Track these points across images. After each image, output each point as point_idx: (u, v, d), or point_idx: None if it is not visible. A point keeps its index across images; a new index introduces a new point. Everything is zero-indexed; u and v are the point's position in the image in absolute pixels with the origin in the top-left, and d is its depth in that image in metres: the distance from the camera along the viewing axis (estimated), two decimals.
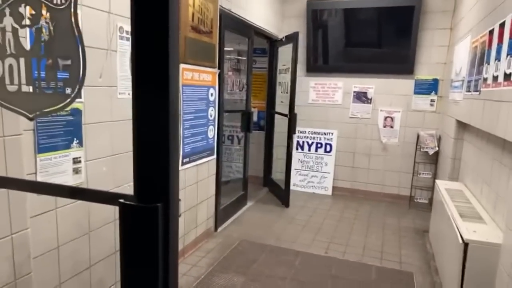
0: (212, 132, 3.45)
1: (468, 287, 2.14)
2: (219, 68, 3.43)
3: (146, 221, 0.85)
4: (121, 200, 0.86)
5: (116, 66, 2.14)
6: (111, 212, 2.23)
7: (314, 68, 5.17)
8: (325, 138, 5.23)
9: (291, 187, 5.31)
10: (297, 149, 5.37)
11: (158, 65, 0.79)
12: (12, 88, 0.96)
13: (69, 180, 1.89)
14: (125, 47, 2.20)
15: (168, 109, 0.81)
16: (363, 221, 4.20)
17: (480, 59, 2.85)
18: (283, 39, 4.79)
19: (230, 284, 2.76)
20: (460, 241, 2.17)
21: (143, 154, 0.86)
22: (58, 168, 1.82)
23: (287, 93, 4.67)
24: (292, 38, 4.44)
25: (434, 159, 4.64)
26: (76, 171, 1.94)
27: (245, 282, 2.79)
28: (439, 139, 4.54)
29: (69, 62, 0.89)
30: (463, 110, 3.33)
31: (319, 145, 5.26)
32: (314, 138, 5.29)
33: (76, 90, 0.90)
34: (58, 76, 0.91)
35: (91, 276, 2.11)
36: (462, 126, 3.66)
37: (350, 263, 3.18)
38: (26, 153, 1.61)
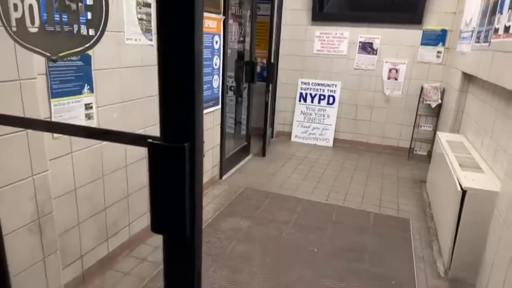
0: (216, 82, 3.43)
1: (462, 233, 2.27)
2: (224, 15, 3.34)
3: (174, 159, 0.89)
4: (150, 140, 0.90)
5: (123, 11, 2.09)
6: (122, 158, 2.29)
7: (319, 16, 5.02)
8: (328, 90, 5.21)
9: (292, 139, 5.40)
10: (299, 100, 5.37)
11: (183, 2, 0.79)
12: (33, 29, 0.96)
13: None
14: None
15: (194, 47, 0.82)
16: (363, 171, 4.32)
17: (492, 9, 2.78)
18: None
19: (237, 227, 2.90)
20: (459, 188, 2.27)
21: (170, 94, 0.89)
22: (71, 113, 1.85)
23: None
24: None
25: (436, 112, 4.67)
26: (89, 116, 1.97)
27: (250, 226, 2.93)
28: (442, 92, 4.54)
29: (91, 1, 0.88)
30: (471, 61, 3.30)
31: (322, 97, 5.26)
32: (317, 90, 5.27)
33: (100, 31, 0.90)
34: (80, 18, 0.91)
35: (106, 218, 2.22)
36: (467, 78, 3.65)
37: (350, 209, 3.33)
38: (41, 97, 1.63)
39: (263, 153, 4.68)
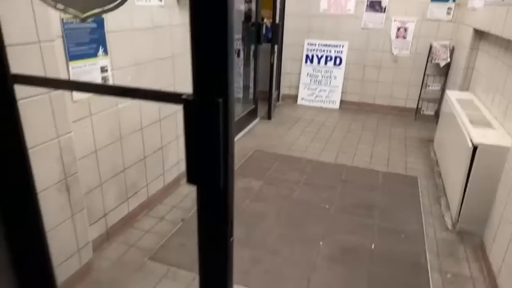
0: None
1: (472, 188, 2.33)
2: None
3: (209, 114, 0.92)
4: (185, 97, 0.92)
5: None
6: (138, 122, 2.32)
7: None
8: (335, 50, 5.14)
9: (299, 102, 5.39)
10: (306, 62, 5.31)
11: None
12: None
13: None
14: None
15: (226, 2, 0.83)
16: (370, 132, 4.35)
17: None
18: None
19: (249, 186, 2.98)
20: (470, 145, 2.31)
21: (203, 52, 0.90)
22: (88, 76, 1.86)
23: None
24: None
25: (444, 71, 4.63)
26: (105, 79, 1.98)
27: (262, 185, 3.01)
28: (452, 50, 4.47)
29: None
30: (483, 18, 3.24)
31: (328, 58, 5.19)
32: (324, 50, 5.19)
33: None
34: None
35: (125, 179, 2.29)
36: (478, 35, 3.59)
37: (359, 169, 3.40)
38: (59, 60, 1.64)
39: (268, 116, 4.69)
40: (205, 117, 0.93)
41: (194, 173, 0.98)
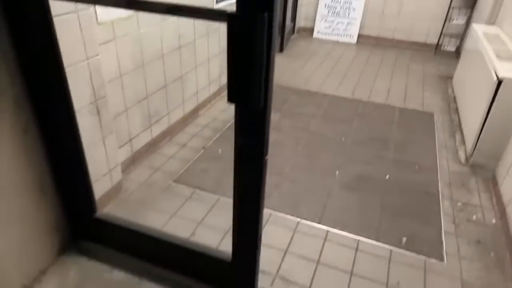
0: None
1: (491, 122, 2.34)
2: None
3: (253, 29, 0.92)
4: (229, 13, 0.91)
5: None
6: (159, 49, 2.30)
7: None
8: None
9: (315, 35, 5.22)
10: None
11: None
12: None
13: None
14: None
15: None
16: (388, 67, 4.27)
17: None
18: None
19: None
20: (494, 78, 2.28)
21: None
22: None
23: None
24: None
25: (471, 3, 4.39)
26: None
27: (280, 118, 3.05)
28: None
29: None
30: None
31: None
32: None
33: None
34: None
35: (148, 106, 2.33)
36: None
37: (375, 104, 3.39)
38: None
39: (281, 48, 4.58)
40: (249, 33, 0.93)
41: (235, 91, 1.00)
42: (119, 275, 1.58)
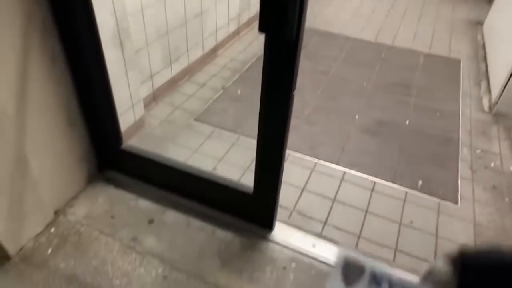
0: None
1: None
2: None
3: None
4: None
5: None
6: None
7: None
8: None
9: None
10: None
11: None
12: None
13: None
14: None
15: None
16: (415, 11, 4.05)
17: None
18: None
19: None
20: None
21: None
22: None
23: None
24: None
25: None
26: None
27: (300, 60, 2.98)
28: None
29: None
30: None
31: None
32: None
33: None
34: None
35: (169, 42, 2.29)
36: None
37: (400, 49, 3.28)
38: None
39: None
40: None
41: (268, 20, 0.98)
42: (144, 203, 1.67)
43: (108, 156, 1.71)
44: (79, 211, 1.61)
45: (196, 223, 1.59)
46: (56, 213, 1.58)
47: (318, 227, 1.65)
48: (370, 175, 1.95)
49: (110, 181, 1.75)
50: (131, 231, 1.55)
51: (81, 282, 1.36)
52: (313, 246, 1.52)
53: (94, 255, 1.45)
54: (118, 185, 1.74)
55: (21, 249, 1.44)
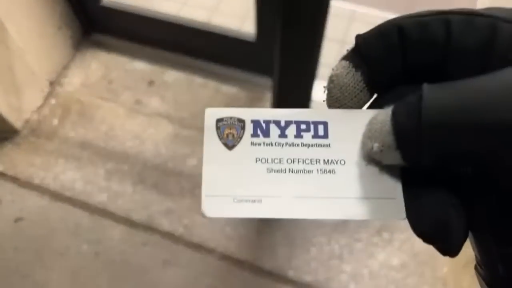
0: None
1: None
2: None
3: None
4: None
5: None
6: None
7: None
8: None
9: None
10: None
11: None
12: None
13: None
14: None
15: None
16: None
17: None
18: None
19: None
20: None
21: None
22: None
23: None
24: None
25: None
26: None
27: None
28: None
29: None
30: None
31: None
32: None
33: None
34: None
35: None
36: None
37: None
38: None
39: None
40: None
41: None
42: (141, 65, 1.57)
43: (88, 15, 1.53)
44: (74, 80, 1.53)
45: (198, 80, 1.51)
46: (52, 84, 1.51)
47: None
48: (382, 10, 1.77)
49: (99, 45, 1.62)
50: (132, 94, 1.49)
51: (95, 147, 1.37)
52: None
53: (101, 121, 1.43)
54: (109, 49, 1.61)
55: (27, 122, 1.42)
